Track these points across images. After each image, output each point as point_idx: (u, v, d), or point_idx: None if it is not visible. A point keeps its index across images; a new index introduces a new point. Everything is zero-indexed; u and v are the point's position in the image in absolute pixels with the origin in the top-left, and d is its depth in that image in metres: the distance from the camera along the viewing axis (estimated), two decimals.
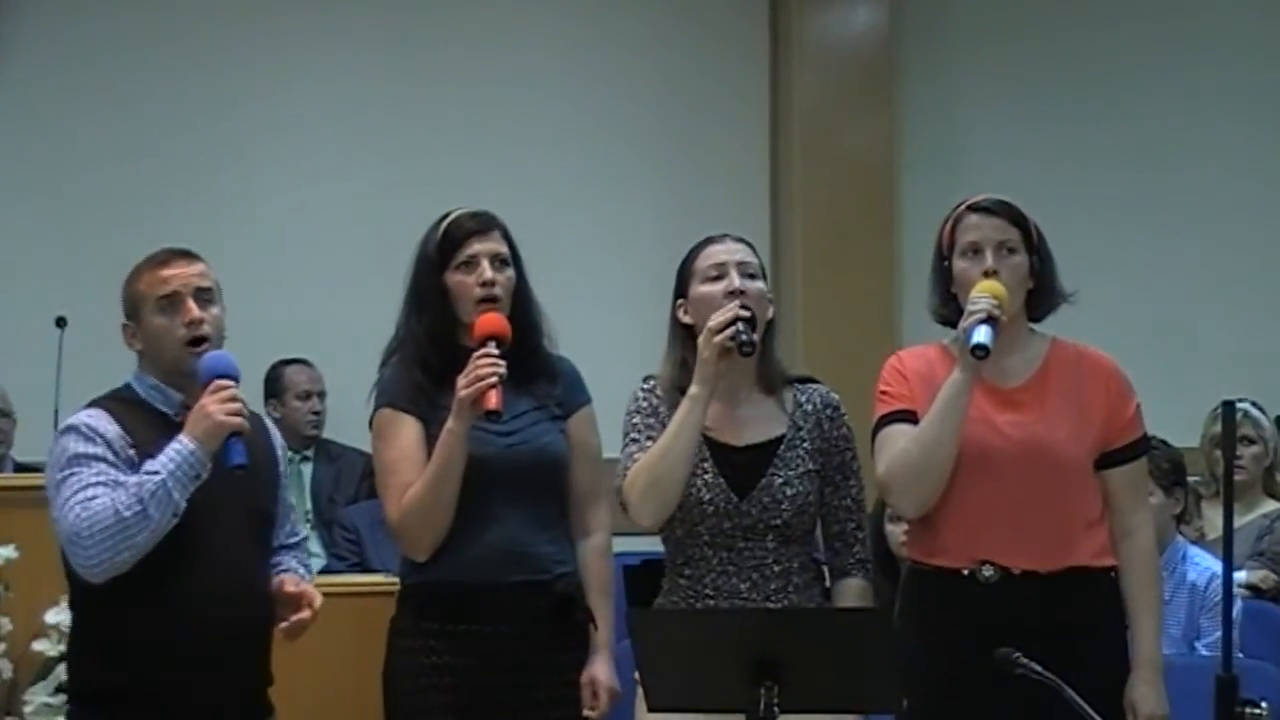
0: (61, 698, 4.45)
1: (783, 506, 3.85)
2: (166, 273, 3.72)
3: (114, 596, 3.58)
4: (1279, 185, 8.07)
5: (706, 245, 3.96)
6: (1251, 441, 6.36)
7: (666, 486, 3.80)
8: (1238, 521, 5.64)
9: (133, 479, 3.56)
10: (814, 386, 4.01)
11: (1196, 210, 8.05)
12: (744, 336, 3.75)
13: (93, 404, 3.74)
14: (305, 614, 3.74)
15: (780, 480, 3.86)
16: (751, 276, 3.90)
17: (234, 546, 3.70)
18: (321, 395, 7.04)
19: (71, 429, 3.65)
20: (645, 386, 3.98)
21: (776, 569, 3.86)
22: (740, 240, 3.98)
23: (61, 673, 4.45)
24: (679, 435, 3.79)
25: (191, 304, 3.69)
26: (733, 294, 3.83)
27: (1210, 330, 7.95)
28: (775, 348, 3.98)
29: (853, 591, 3.94)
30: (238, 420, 3.59)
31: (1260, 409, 6.48)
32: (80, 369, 6.45)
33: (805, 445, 3.91)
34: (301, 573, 3.89)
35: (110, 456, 3.61)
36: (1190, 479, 5.77)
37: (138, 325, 3.75)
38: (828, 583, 3.98)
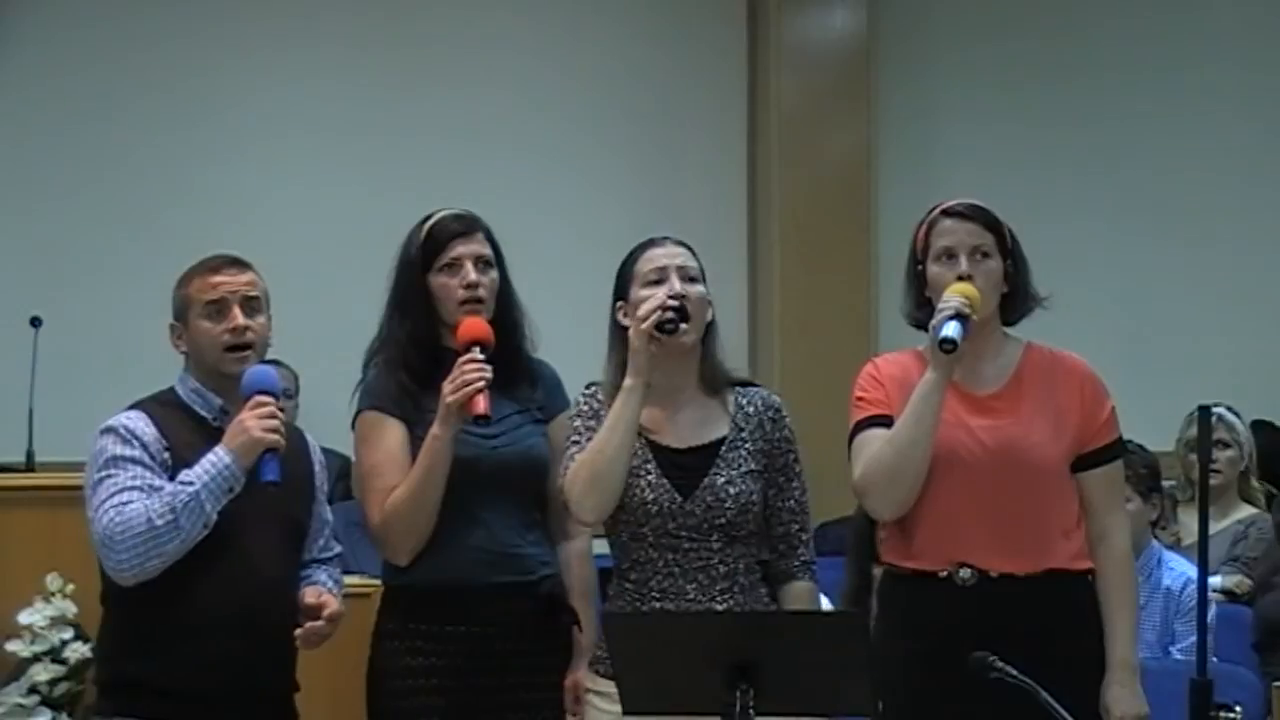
0: (35, 698, 4.45)
1: (726, 505, 3.83)
2: (216, 279, 3.80)
3: (144, 595, 3.68)
4: (1255, 188, 8.11)
5: (647, 249, 3.92)
6: (1226, 446, 6.35)
7: (606, 481, 3.77)
8: (1213, 527, 5.64)
9: (168, 487, 3.65)
10: (755, 389, 3.98)
11: (1171, 214, 8.08)
12: (667, 315, 3.74)
13: (134, 405, 3.82)
14: (319, 623, 3.81)
15: (723, 479, 3.84)
16: (692, 280, 3.86)
17: (264, 554, 3.77)
18: (289, 395, 7.01)
19: (110, 430, 3.73)
20: (587, 392, 3.95)
21: (722, 570, 3.82)
22: (680, 243, 3.94)
23: (35, 674, 4.44)
24: (615, 428, 3.77)
25: (237, 311, 3.78)
26: (673, 298, 3.80)
27: (1185, 334, 7.98)
28: (716, 350, 3.94)
29: (800, 595, 3.91)
30: (274, 438, 3.68)
31: (1235, 413, 6.47)
32: (55, 369, 6.45)
33: (747, 446, 3.89)
34: (330, 586, 3.94)
35: (147, 459, 3.70)
36: (1165, 484, 5.77)
37: (184, 327, 3.83)
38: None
